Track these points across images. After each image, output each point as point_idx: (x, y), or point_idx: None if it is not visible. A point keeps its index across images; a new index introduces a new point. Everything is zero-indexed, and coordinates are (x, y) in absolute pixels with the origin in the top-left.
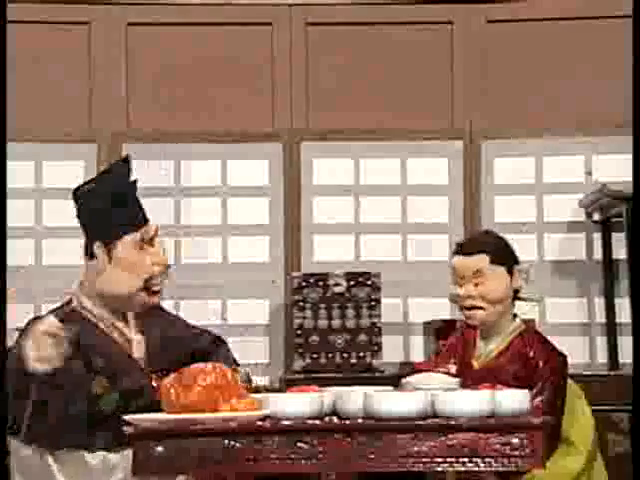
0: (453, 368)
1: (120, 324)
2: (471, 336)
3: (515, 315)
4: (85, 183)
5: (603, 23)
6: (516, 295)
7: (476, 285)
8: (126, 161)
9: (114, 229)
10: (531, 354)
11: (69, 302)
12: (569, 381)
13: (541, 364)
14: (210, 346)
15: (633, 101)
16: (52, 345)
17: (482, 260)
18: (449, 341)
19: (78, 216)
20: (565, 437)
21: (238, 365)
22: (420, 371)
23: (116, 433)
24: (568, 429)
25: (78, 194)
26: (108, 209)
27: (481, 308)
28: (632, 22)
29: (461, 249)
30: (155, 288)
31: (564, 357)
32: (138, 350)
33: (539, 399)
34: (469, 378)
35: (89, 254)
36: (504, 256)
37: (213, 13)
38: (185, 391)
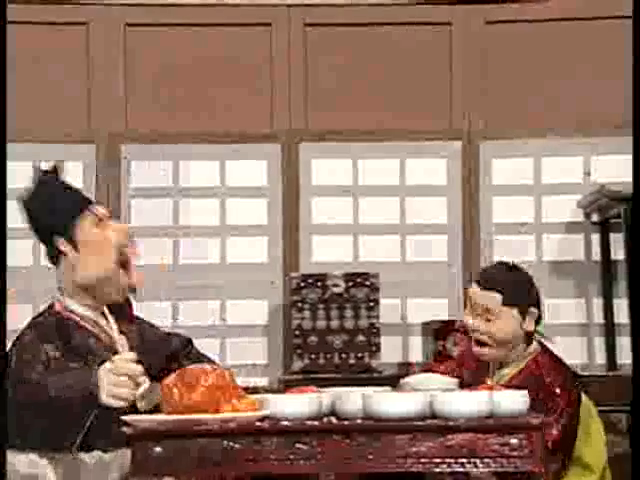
0: (466, 375)
1: (103, 322)
2: None
3: (531, 339)
4: (25, 191)
5: (602, 24)
6: (530, 336)
7: (487, 320)
8: (49, 171)
9: (66, 220)
10: (547, 380)
11: (51, 306)
12: (585, 400)
13: (558, 391)
14: (183, 348)
15: (633, 102)
16: (130, 388)
17: (494, 299)
18: (461, 348)
19: (32, 226)
20: (578, 456)
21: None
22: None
23: (111, 432)
24: (582, 448)
25: (25, 205)
26: (52, 207)
27: (488, 345)
28: (632, 23)
29: (478, 280)
30: (127, 257)
31: (577, 379)
32: (122, 352)
33: (558, 427)
34: None
35: (54, 259)
36: (518, 297)
37: (212, 14)
38: (189, 392)
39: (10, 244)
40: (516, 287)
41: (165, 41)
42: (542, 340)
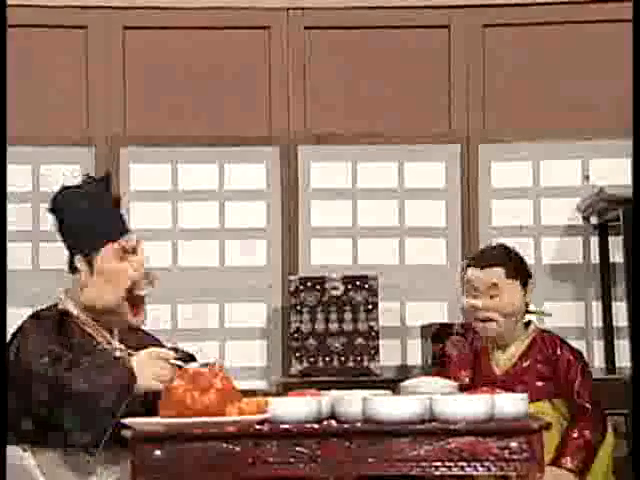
0: (467, 379)
1: (105, 332)
2: (481, 345)
3: (529, 322)
4: (59, 194)
5: (601, 27)
6: (527, 309)
7: (491, 297)
8: (104, 179)
9: (93, 241)
10: (558, 352)
11: (55, 305)
12: None
13: (573, 359)
14: (184, 363)
15: (633, 104)
16: (169, 369)
17: (498, 273)
18: (454, 355)
19: (59, 230)
20: None
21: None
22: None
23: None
24: None
25: (55, 209)
26: (86, 223)
27: (495, 321)
28: (632, 26)
29: (476, 262)
30: (139, 292)
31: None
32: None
33: (588, 390)
34: (491, 384)
35: (72, 268)
36: (519, 270)
37: (211, 17)
38: (202, 395)
39: (8, 247)
40: (515, 260)
41: (164, 44)
42: (539, 316)
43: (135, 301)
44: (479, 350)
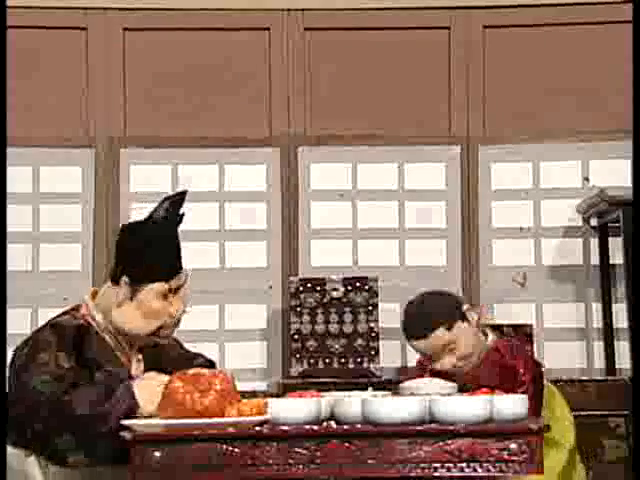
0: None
1: (125, 343)
2: None
3: (486, 334)
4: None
5: (601, 28)
6: (482, 330)
7: (450, 352)
8: (177, 202)
9: (145, 274)
10: (509, 363)
11: (78, 308)
12: (545, 382)
13: (521, 371)
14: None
15: (633, 106)
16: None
17: (440, 335)
18: (419, 359)
19: (118, 244)
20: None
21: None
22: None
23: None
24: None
25: (126, 226)
26: (149, 254)
27: (465, 363)
28: (632, 27)
29: (414, 333)
30: (164, 333)
31: (539, 364)
32: (137, 368)
33: (530, 400)
34: None
35: (114, 279)
36: (451, 312)
37: (210, 18)
38: (202, 397)
39: (7, 248)
40: (441, 307)
41: (164, 46)
42: (491, 322)
43: (159, 334)
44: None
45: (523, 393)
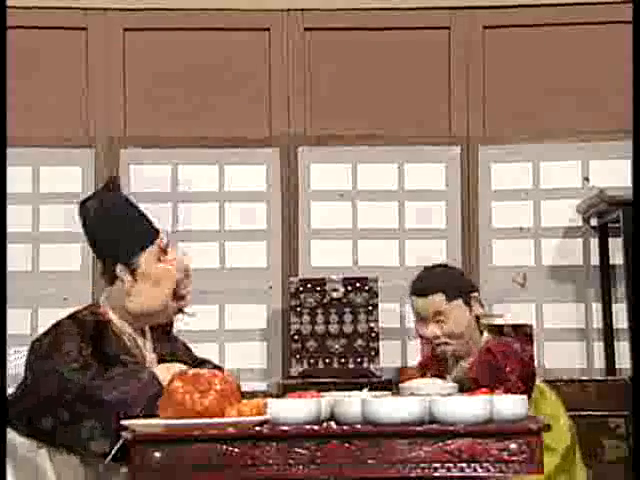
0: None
1: (140, 340)
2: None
3: (482, 332)
4: (83, 208)
5: (601, 28)
6: (478, 320)
7: (438, 322)
8: (112, 185)
9: (133, 248)
10: (499, 364)
11: (97, 305)
12: (539, 383)
13: (508, 369)
14: None
15: (633, 106)
16: None
17: (439, 300)
18: (419, 360)
19: (92, 245)
20: None
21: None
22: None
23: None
24: None
25: (87, 225)
26: (122, 231)
27: (448, 344)
28: (632, 27)
29: (416, 290)
30: (183, 292)
31: (531, 364)
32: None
33: None
34: None
35: (109, 278)
36: (459, 289)
37: (210, 18)
38: (202, 397)
39: (7, 248)
40: (451, 280)
41: (164, 46)
42: (491, 321)
43: (179, 297)
44: (439, 359)
45: (508, 390)
